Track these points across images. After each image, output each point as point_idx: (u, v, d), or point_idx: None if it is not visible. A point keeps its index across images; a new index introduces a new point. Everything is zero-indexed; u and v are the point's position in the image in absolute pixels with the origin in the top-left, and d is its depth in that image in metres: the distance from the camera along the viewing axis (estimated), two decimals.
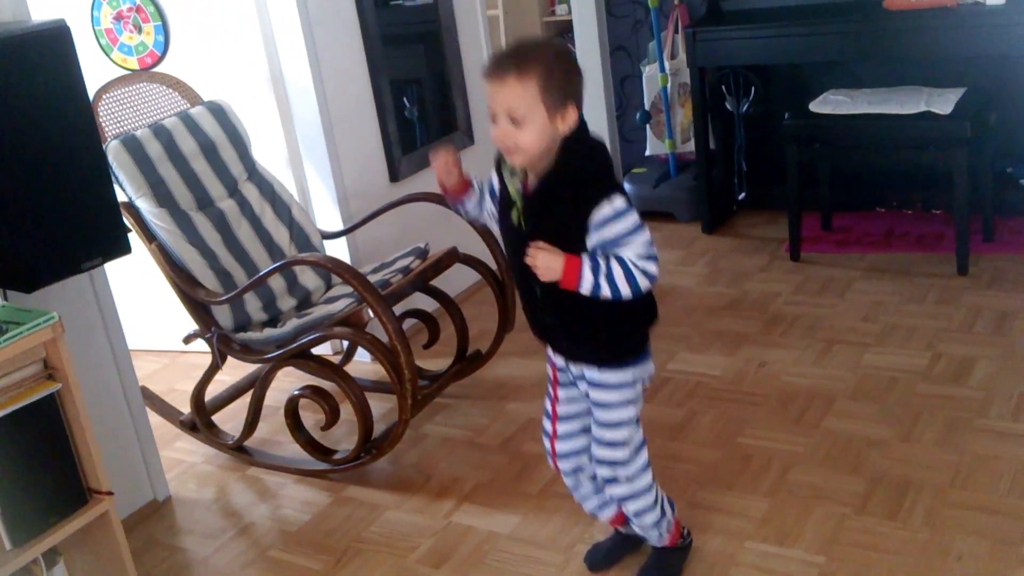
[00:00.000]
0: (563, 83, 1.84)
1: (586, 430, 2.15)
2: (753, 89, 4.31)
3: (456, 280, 3.70)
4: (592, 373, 2.04)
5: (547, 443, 2.22)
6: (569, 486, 2.26)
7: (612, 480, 2.11)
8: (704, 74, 4.20)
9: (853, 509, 2.42)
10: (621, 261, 1.84)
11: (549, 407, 2.20)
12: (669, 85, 4.51)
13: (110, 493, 2.25)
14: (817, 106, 3.83)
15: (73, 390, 2.16)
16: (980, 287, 3.53)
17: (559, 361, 2.11)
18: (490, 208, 2.11)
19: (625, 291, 1.85)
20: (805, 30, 3.92)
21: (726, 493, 2.56)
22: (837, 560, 2.26)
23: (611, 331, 2.00)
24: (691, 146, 4.49)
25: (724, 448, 2.76)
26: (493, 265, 3.11)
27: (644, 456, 2.13)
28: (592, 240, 1.86)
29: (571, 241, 1.86)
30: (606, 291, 1.85)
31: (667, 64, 4.49)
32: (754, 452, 2.72)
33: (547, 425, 2.21)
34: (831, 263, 3.92)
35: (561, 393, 2.16)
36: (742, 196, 4.50)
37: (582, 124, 1.89)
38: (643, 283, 1.86)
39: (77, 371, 2.19)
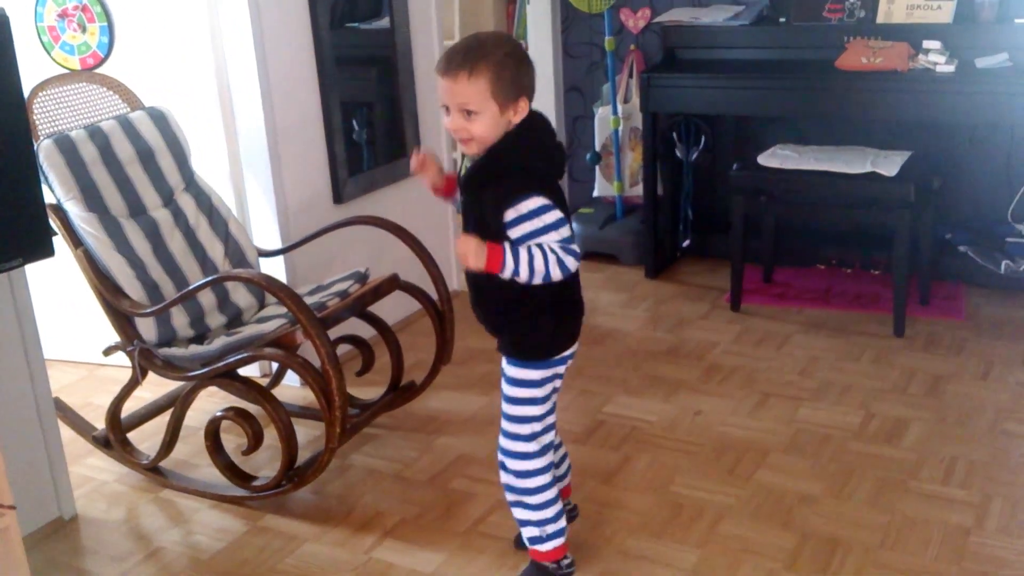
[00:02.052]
0: (513, 78, 1.95)
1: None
2: (703, 138, 4.34)
3: (395, 308, 3.62)
4: (504, 364, 2.17)
5: None
6: None
7: (502, 467, 2.22)
8: (656, 120, 4.22)
9: (783, 565, 2.38)
10: (540, 247, 1.95)
11: None
12: (621, 128, 4.52)
13: (12, 507, 2.12)
14: (765, 159, 3.85)
15: None
16: (915, 349, 3.56)
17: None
18: None
19: (539, 277, 1.96)
20: (758, 84, 3.97)
21: (656, 542, 2.51)
22: None
23: (517, 326, 2.12)
24: (639, 190, 4.49)
25: (656, 495, 2.72)
26: (434, 295, 3.04)
27: (540, 461, 2.19)
28: (513, 234, 1.98)
29: (491, 228, 1.99)
30: (525, 276, 1.96)
31: (620, 107, 4.50)
32: (686, 501, 2.68)
33: None
34: (770, 316, 3.93)
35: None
36: (686, 243, 4.50)
37: (535, 116, 1.99)
38: (555, 272, 1.96)
39: None
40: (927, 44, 3.74)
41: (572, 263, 1.98)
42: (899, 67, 3.71)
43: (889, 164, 3.64)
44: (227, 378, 2.72)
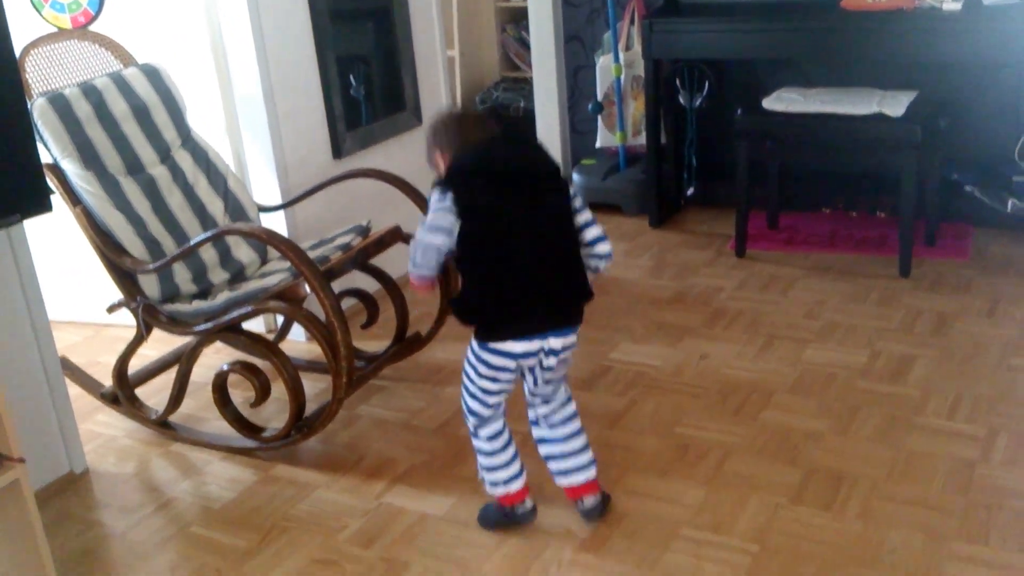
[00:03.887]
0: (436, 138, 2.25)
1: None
2: (707, 84, 4.29)
3: (398, 261, 3.60)
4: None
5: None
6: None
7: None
8: (659, 66, 4.17)
9: (788, 499, 2.39)
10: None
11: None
12: (623, 77, 4.48)
13: (21, 460, 2.13)
14: (770, 103, 3.81)
15: None
16: (921, 290, 3.54)
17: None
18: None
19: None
20: (761, 26, 3.92)
21: (662, 480, 2.52)
22: (771, 549, 2.22)
23: (460, 298, 2.24)
24: (642, 139, 4.45)
25: (662, 437, 2.72)
26: None
27: (486, 429, 2.30)
28: None
29: None
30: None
31: (622, 55, 4.45)
32: (691, 442, 2.68)
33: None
34: (776, 261, 3.91)
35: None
36: (691, 191, 4.47)
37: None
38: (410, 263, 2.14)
39: None
40: None
41: (417, 258, 2.13)
42: (904, 5, 3.66)
43: (895, 104, 3.60)
44: (232, 333, 2.73)
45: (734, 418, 2.79)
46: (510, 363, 2.19)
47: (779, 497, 2.40)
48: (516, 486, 2.34)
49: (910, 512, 2.31)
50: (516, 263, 2.12)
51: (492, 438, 2.31)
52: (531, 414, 2.35)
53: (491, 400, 2.26)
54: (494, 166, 2.15)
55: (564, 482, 2.35)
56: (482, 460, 2.34)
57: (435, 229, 2.09)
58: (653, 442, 2.70)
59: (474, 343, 2.21)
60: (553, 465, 2.35)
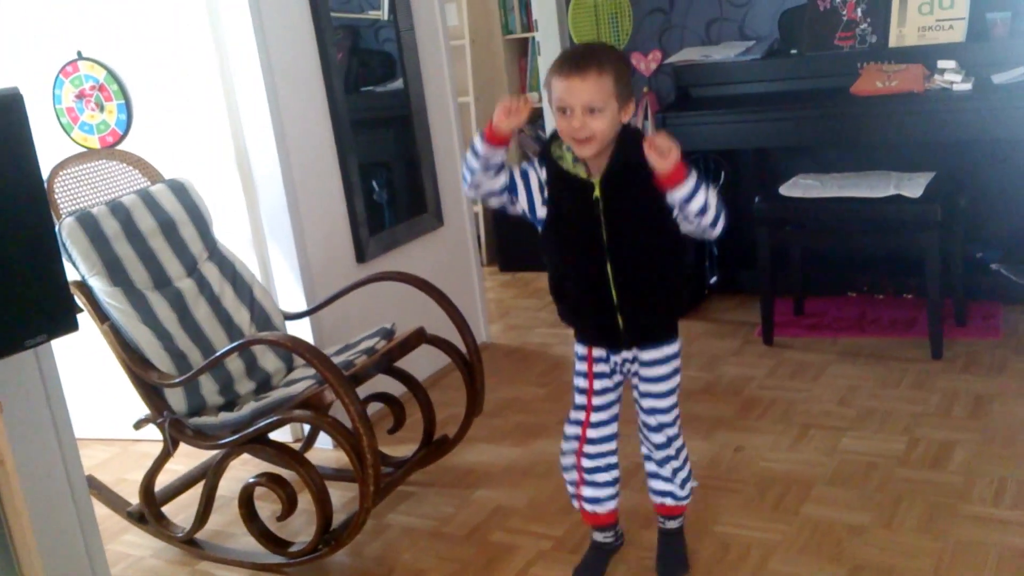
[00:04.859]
0: (628, 80, 2.11)
1: (614, 419, 2.39)
2: (723, 174, 4.32)
3: (423, 363, 3.61)
4: (653, 352, 2.28)
5: (575, 435, 2.40)
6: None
7: (665, 447, 2.39)
8: None
9: None
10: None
11: (583, 400, 2.37)
12: None
13: None
14: (787, 190, 3.82)
15: (10, 475, 2.03)
16: (955, 371, 3.48)
17: (600, 352, 2.31)
18: (523, 201, 2.21)
19: (714, 210, 2.07)
20: (774, 116, 3.96)
21: None
22: None
23: (679, 293, 2.31)
24: None
25: (702, 536, 2.65)
26: (462, 347, 3.02)
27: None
28: (671, 199, 2.08)
29: (652, 208, 2.11)
30: (701, 199, 2.05)
31: None
32: (732, 540, 2.61)
33: (578, 415, 2.39)
34: (804, 347, 3.87)
35: (596, 384, 2.35)
36: (713, 280, 4.46)
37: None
38: (720, 225, 2.10)
39: (17, 455, 2.06)
40: (942, 64, 3.72)
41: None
42: (915, 88, 3.69)
43: (913, 186, 3.60)
44: (259, 444, 2.70)
45: (774, 514, 2.72)
46: None
47: None
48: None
49: None
50: None
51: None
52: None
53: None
54: None
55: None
56: (685, 461, 2.49)
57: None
58: (693, 541, 2.62)
59: (676, 345, 2.32)
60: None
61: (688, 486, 2.46)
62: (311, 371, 2.84)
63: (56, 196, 2.91)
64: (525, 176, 2.21)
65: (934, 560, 2.40)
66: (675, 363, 2.32)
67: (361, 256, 3.59)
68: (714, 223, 2.09)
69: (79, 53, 3.37)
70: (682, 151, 2.02)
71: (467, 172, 2.17)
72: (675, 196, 2.05)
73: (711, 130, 4.08)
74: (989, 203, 3.98)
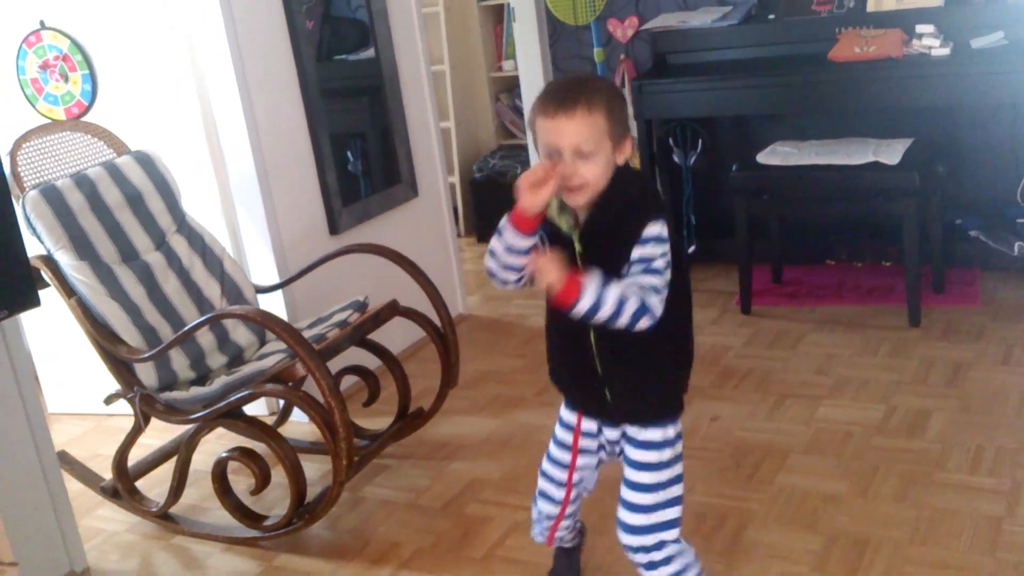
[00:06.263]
0: (622, 114, 1.80)
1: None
2: (700, 142, 4.29)
3: (399, 336, 3.58)
4: (645, 433, 1.93)
5: (547, 513, 2.13)
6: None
7: (657, 552, 1.97)
8: (651, 127, 4.18)
9: (811, 568, 2.30)
10: (639, 285, 1.73)
11: (562, 475, 2.07)
12: None
13: (14, 564, 2.07)
14: (764, 157, 3.79)
15: None
16: (932, 339, 3.48)
17: (590, 426, 2.02)
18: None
19: (629, 314, 1.71)
20: (752, 82, 3.92)
21: None
22: None
23: (672, 377, 1.94)
24: None
25: None
26: (436, 319, 2.99)
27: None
28: (634, 254, 1.77)
29: (622, 267, 1.78)
30: (608, 308, 1.70)
31: None
32: (707, 510, 2.60)
33: (555, 493, 2.10)
34: (782, 316, 3.86)
35: (580, 460, 2.06)
36: (691, 249, 4.44)
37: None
38: (644, 321, 1.73)
39: None
40: (920, 28, 3.69)
41: (659, 309, 1.75)
42: (894, 54, 3.66)
43: (891, 152, 3.58)
44: (232, 418, 2.68)
45: (749, 483, 2.71)
46: None
47: (801, 567, 2.31)
48: None
49: (937, 575, 2.22)
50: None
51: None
52: None
53: None
54: None
55: None
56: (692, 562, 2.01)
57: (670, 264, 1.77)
58: None
59: (672, 429, 1.93)
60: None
61: None
62: (283, 345, 2.80)
63: (20, 169, 2.85)
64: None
65: (910, 528, 2.40)
66: (673, 449, 1.94)
67: (334, 228, 3.54)
68: (631, 325, 1.73)
69: (42, 23, 3.29)
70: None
71: (490, 261, 1.85)
72: (575, 314, 1.73)
73: (688, 97, 4.05)
74: (967, 170, 3.96)
